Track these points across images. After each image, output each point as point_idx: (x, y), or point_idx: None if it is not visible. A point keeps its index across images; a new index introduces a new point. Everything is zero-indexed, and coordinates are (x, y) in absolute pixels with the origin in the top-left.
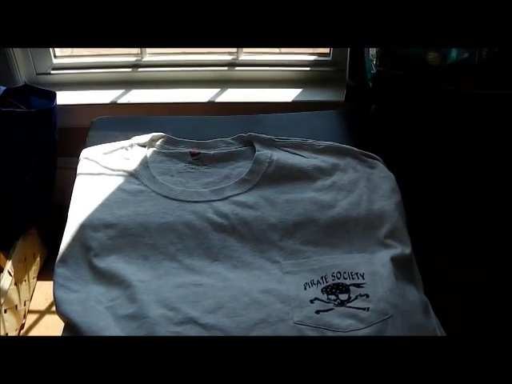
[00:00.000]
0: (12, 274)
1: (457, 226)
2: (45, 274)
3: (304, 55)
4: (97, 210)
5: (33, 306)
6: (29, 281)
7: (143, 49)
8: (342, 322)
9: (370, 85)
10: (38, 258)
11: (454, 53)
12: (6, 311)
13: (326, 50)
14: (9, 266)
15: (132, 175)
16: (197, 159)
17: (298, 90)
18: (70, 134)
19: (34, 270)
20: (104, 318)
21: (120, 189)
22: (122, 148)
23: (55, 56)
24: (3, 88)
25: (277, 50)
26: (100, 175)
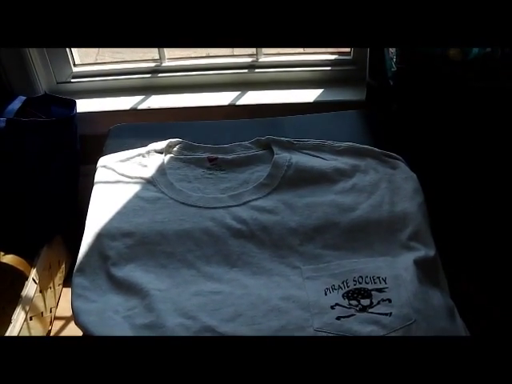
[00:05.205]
0: (37, 281)
1: (482, 227)
2: (71, 280)
3: (324, 55)
4: (114, 219)
5: (59, 312)
6: (54, 288)
7: (162, 54)
8: (364, 329)
9: (391, 83)
10: (63, 265)
11: (475, 48)
12: (31, 318)
13: (347, 49)
14: (33, 273)
15: (149, 182)
16: (214, 164)
17: (320, 90)
18: (92, 142)
19: (59, 277)
20: (120, 328)
21: (137, 196)
22: (138, 155)
23: (75, 64)
24: (23, 98)
25: (297, 50)
26: (117, 183)
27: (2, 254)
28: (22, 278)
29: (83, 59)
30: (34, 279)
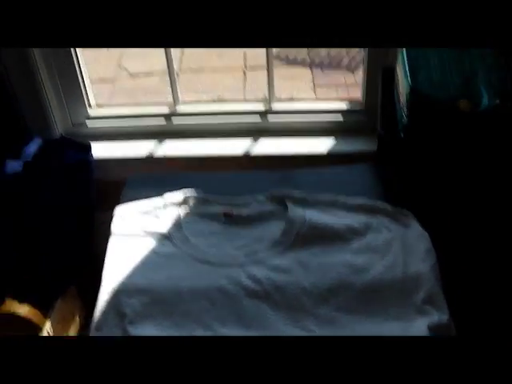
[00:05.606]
0: (51, 334)
1: (499, 288)
2: (84, 334)
3: (336, 102)
4: (130, 275)
5: None
6: None
7: (176, 97)
8: None
9: (402, 135)
10: (77, 318)
11: (485, 99)
12: None
13: (359, 97)
14: (48, 326)
15: (165, 237)
16: (230, 219)
17: (332, 140)
18: (106, 187)
19: (73, 330)
20: None
21: (153, 252)
22: (155, 208)
23: (90, 106)
24: (40, 140)
25: (310, 97)
26: (133, 237)
27: (18, 304)
28: (36, 331)
29: (97, 99)
30: (48, 332)
